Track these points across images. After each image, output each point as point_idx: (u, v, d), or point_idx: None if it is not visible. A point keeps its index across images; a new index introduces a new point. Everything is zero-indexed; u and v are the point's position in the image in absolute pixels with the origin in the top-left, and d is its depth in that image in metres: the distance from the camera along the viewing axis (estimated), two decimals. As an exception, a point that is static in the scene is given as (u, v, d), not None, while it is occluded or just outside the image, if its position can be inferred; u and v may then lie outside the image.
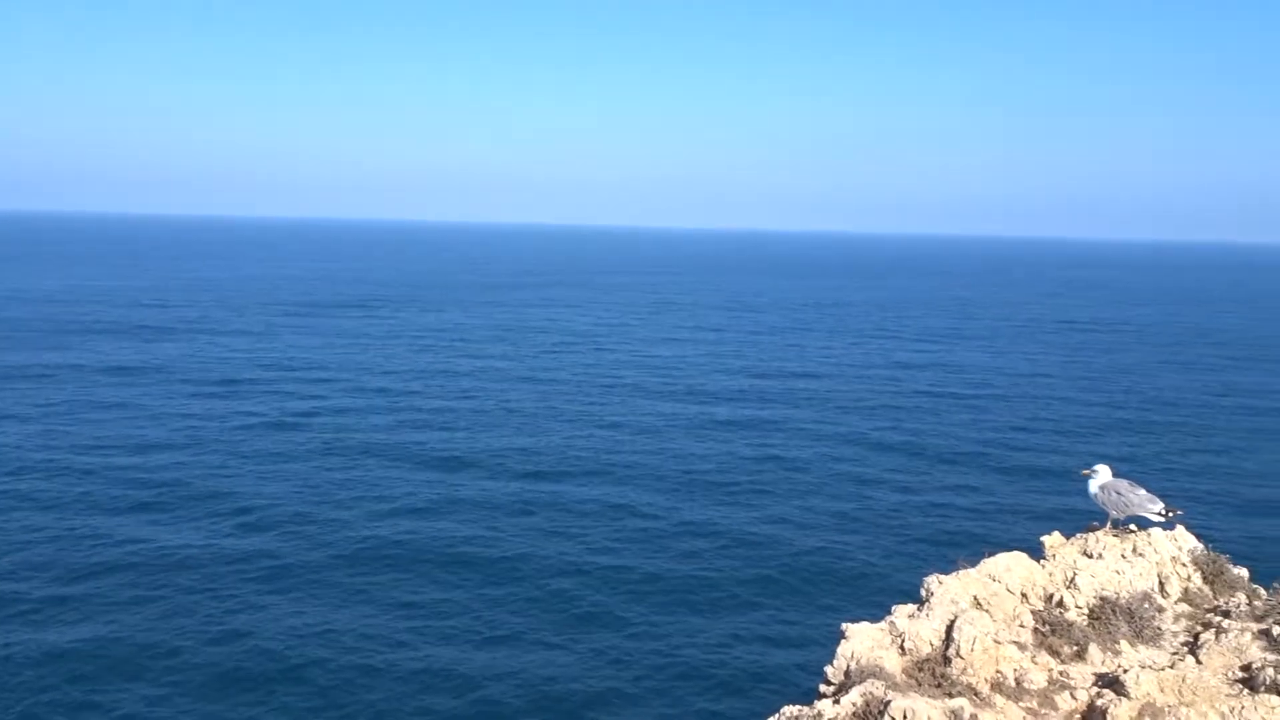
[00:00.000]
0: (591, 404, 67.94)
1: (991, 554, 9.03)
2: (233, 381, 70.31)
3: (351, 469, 47.76)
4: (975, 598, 8.26)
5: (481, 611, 32.27)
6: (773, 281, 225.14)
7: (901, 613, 8.17)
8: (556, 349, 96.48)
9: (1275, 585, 8.90)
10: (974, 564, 8.86)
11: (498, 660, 29.09)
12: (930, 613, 7.98)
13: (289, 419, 57.96)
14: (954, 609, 7.98)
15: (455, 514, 41.79)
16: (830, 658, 7.91)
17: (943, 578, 8.42)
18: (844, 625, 8.05)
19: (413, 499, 43.41)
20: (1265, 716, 6.77)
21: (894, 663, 7.62)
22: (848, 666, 7.57)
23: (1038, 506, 45.63)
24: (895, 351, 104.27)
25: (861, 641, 7.76)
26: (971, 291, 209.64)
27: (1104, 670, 7.64)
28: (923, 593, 8.37)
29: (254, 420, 57.41)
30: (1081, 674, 7.65)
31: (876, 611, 8.73)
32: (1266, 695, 7.06)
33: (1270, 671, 7.24)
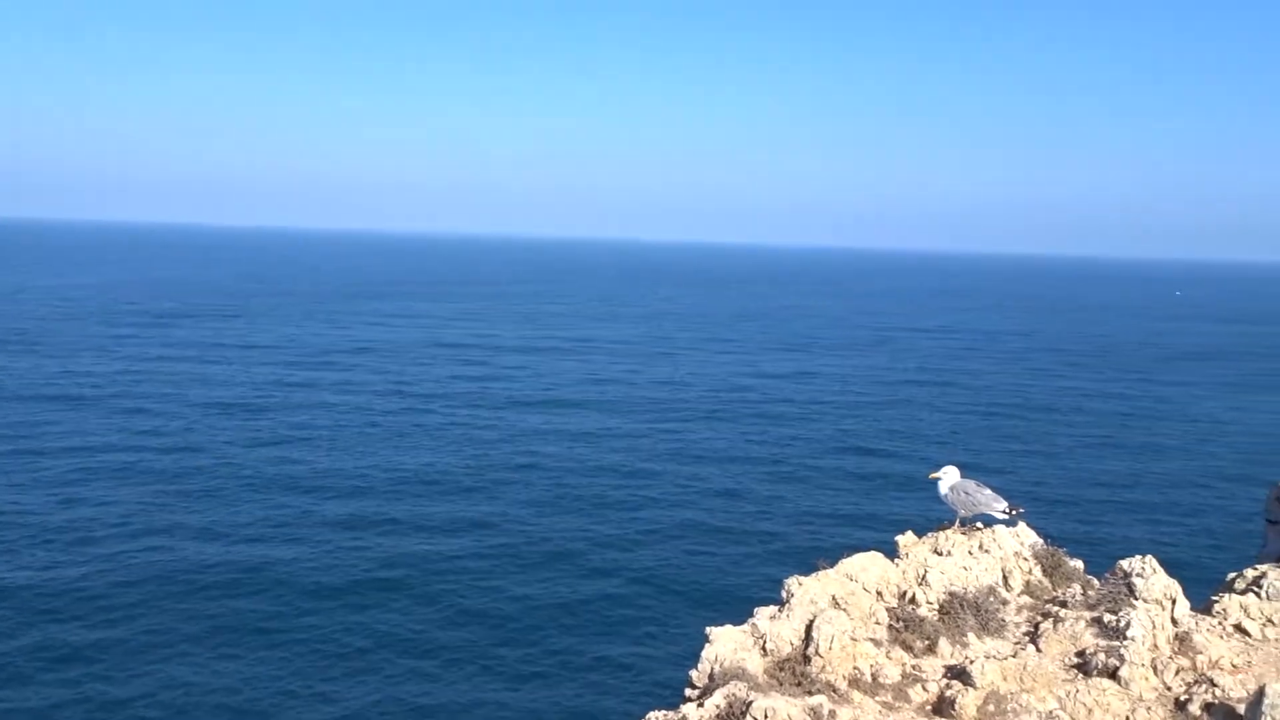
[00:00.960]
0: (443, 419, 67.09)
1: (849, 555, 9.31)
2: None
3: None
4: (834, 597, 8.50)
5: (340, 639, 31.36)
6: (639, 290, 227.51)
7: (763, 614, 8.34)
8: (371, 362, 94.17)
9: (1106, 575, 9.49)
10: (833, 565, 9.12)
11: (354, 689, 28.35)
12: (791, 613, 8.17)
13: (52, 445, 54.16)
14: (813, 609, 8.19)
15: (287, 539, 40.59)
16: (696, 662, 8.01)
17: (802, 579, 8.64)
18: (708, 629, 8.16)
19: (249, 528, 41.86)
20: (1097, 698, 7.22)
21: (756, 664, 7.77)
22: (712, 670, 7.67)
23: (893, 507, 47.53)
24: (750, 362, 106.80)
25: (725, 644, 7.88)
26: (819, 301, 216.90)
27: (953, 662, 7.97)
28: (784, 594, 8.56)
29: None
30: (933, 667, 7.97)
31: (742, 615, 8.88)
32: (1098, 679, 7.54)
33: (1101, 656, 7.72)
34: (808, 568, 9.52)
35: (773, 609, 8.47)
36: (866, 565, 9.00)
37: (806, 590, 8.46)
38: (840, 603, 8.49)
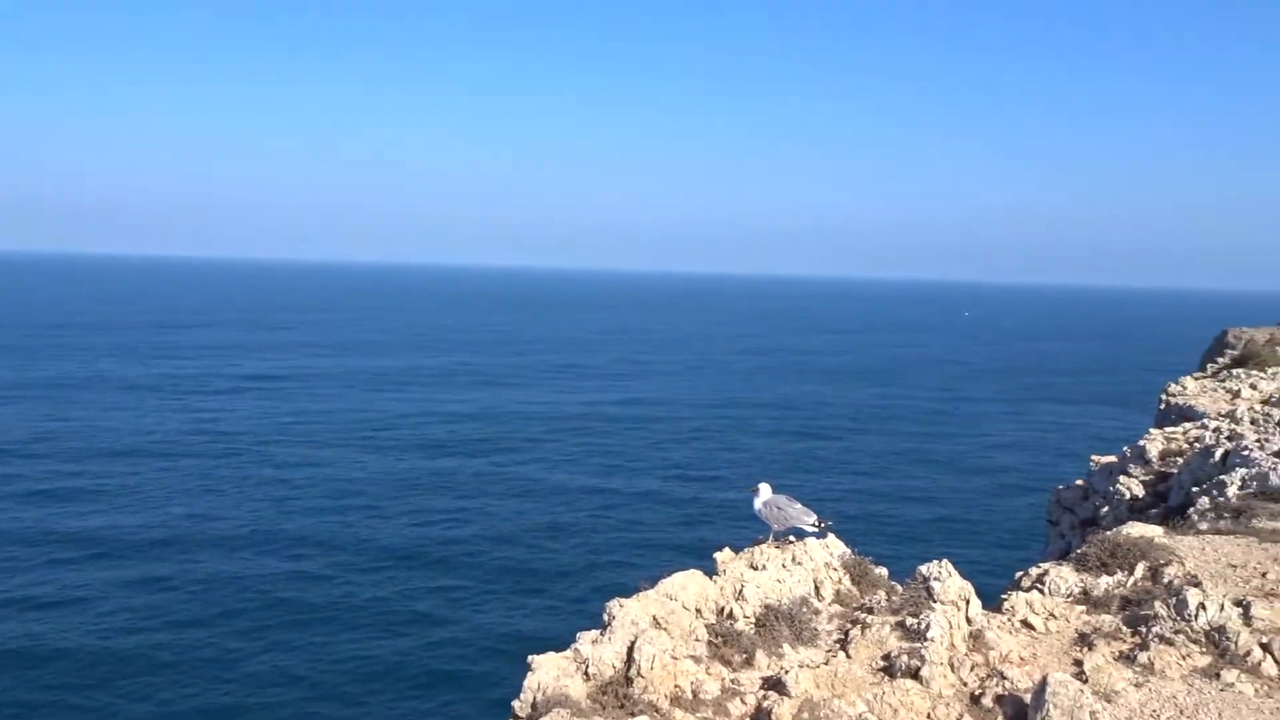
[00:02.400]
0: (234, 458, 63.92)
1: (669, 574, 9.42)
2: None
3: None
4: (654, 617, 8.57)
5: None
6: (479, 317, 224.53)
7: (586, 639, 8.31)
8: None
9: (908, 580, 10.01)
10: (654, 585, 9.20)
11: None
12: (612, 636, 8.17)
13: None
14: (635, 630, 8.22)
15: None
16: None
17: (624, 601, 8.67)
18: (530, 658, 8.04)
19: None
20: (901, 699, 7.58)
21: (579, 689, 7.71)
22: (534, 699, 7.56)
23: (717, 525, 48.68)
24: (576, 386, 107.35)
25: (547, 672, 7.79)
26: (649, 323, 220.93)
27: (769, 673, 8.18)
28: (605, 617, 8.56)
29: None
30: (750, 679, 8.15)
31: (568, 642, 8.82)
32: (902, 679, 7.92)
33: (905, 658, 8.13)
34: (629, 588, 9.57)
35: (595, 633, 8.45)
36: (685, 584, 9.13)
37: (628, 612, 8.49)
38: (661, 622, 8.57)
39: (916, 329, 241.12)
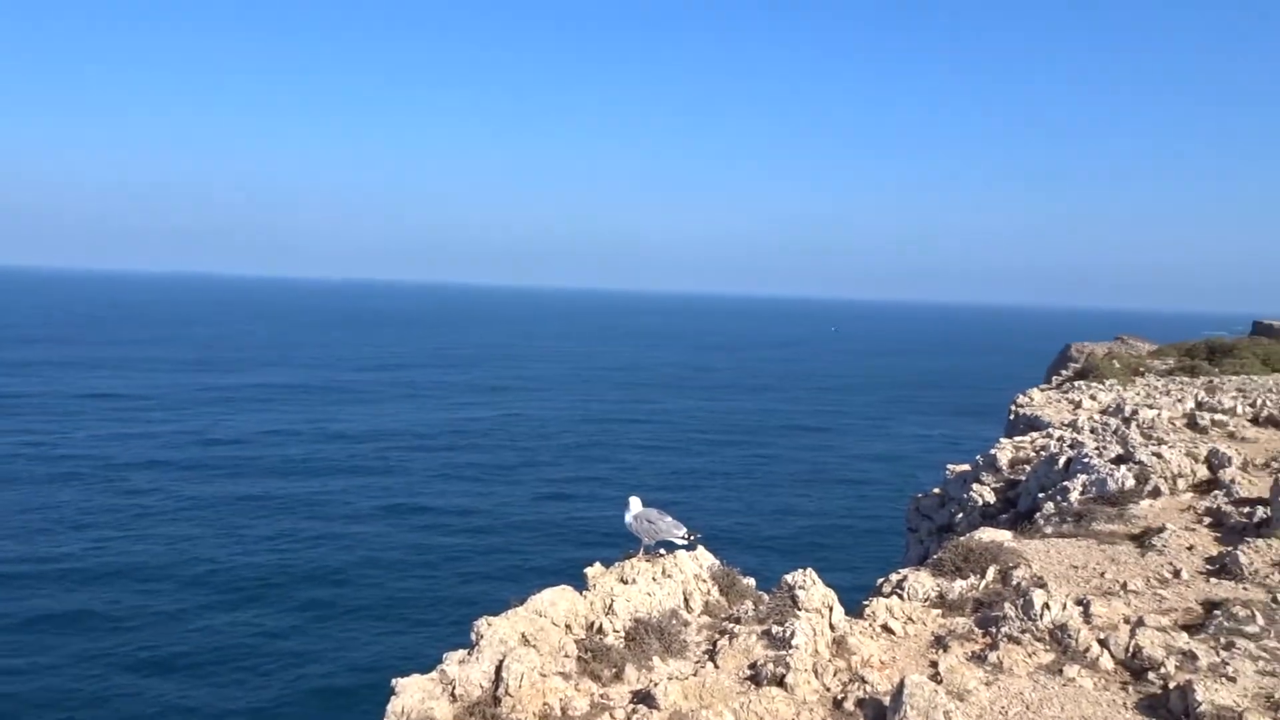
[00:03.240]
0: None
1: (540, 590, 9.33)
2: None
3: None
4: (523, 635, 8.47)
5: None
6: (338, 334, 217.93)
7: (452, 659, 8.14)
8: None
9: (774, 590, 10.21)
10: (524, 602, 9.10)
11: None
12: (480, 655, 8.04)
13: None
14: (503, 649, 8.11)
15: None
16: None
17: (492, 619, 8.54)
18: (395, 681, 7.82)
19: None
20: (767, 706, 7.70)
21: (445, 711, 7.55)
22: (398, 723, 7.35)
23: (587, 541, 48.64)
24: (446, 402, 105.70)
25: (412, 695, 7.59)
26: (519, 338, 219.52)
27: (639, 687, 8.19)
28: (473, 636, 8.42)
29: None
30: (620, 693, 8.14)
31: (436, 663, 8.62)
32: (768, 687, 8.05)
33: (770, 666, 8.27)
34: (502, 608, 9.44)
35: (462, 653, 8.29)
36: (555, 600, 9.07)
37: (496, 630, 8.36)
38: (530, 640, 8.47)
39: (785, 344, 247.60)
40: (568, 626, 8.95)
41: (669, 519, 10.81)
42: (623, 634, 9.02)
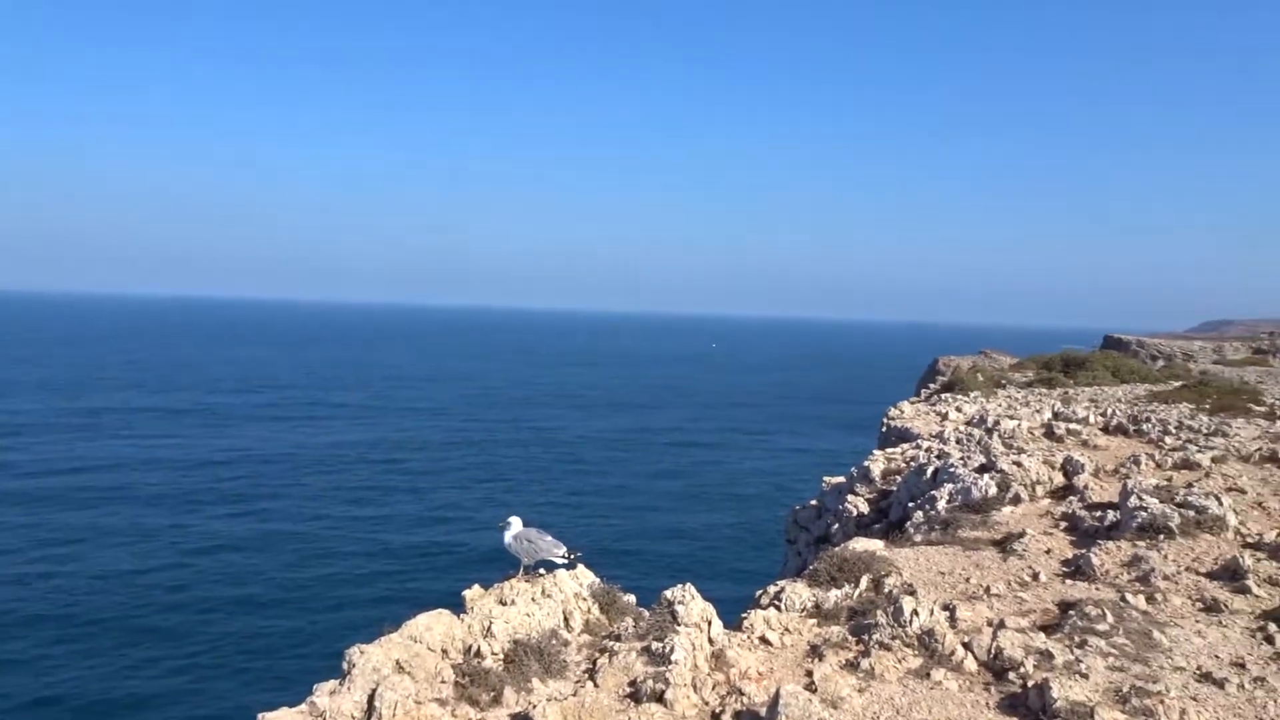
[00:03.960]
0: None
1: (414, 616, 9.12)
2: None
3: None
4: (398, 661, 8.26)
5: None
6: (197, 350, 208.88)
7: (323, 690, 7.87)
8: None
9: (654, 606, 10.24)
10: (398, 628, 8.88)
11: None
12: (352, 685, 7.79)
13: None
14: (376, 677, 7.89)
15: None
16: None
17: (365, 647, 8.30)
18: (260, 716, 7.50)
19: None
20: (646, 723, 7.71)
21: (315, 745, 7.28)
22: (264, 760, 7.04)
23: (468, 562, 47.90)
24: (316, 425, 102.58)
25: (279, 729, 7.29)
26: (390, 356, 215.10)
27: (518, 709, 8.08)
28: (345, 665, 8.15)
29: None
30: (498, 717, 8.01)
31: (304, 694, 8.30)
32: (648, 704, 8.06)
33: (650, 683, 8.28)
34: (376, 634, 9.18)
35: (333, 683, 8.02)
36: (431, 624, 8.88)
37: (369, 658, 8.13)
38: (405, 666, 8.26)
39: (665, 361, 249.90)
40: (444, 651, 8.77)
41: (549, 538, 10.74)
42: (501, 656, 8.90)
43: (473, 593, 10.06)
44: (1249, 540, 13.65)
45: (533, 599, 9.91)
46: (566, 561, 10.61)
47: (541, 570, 10.74)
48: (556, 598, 10.14)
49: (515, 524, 10.80)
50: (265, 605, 42.68)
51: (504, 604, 9.69)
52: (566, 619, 10.06)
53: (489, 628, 9.15)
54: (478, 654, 8.83)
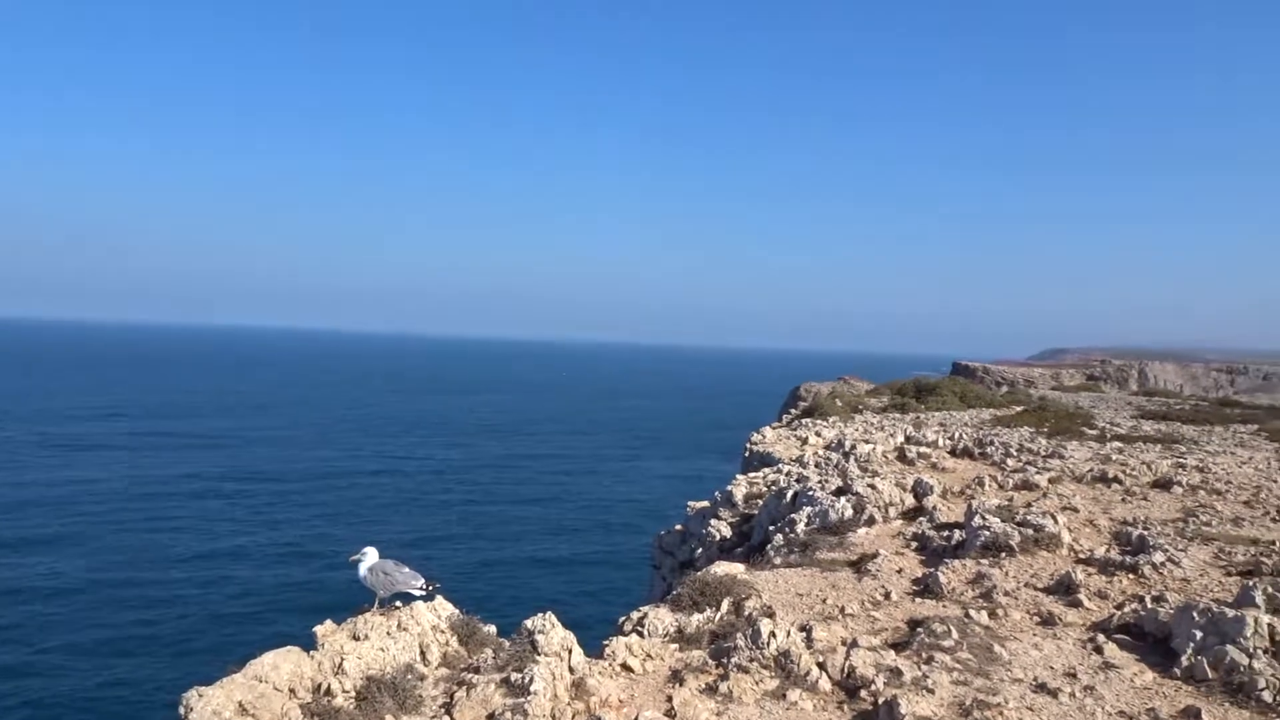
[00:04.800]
0: None
1: (260, 654, 8.70)
2: None
3: None
4: (240, 704, 7.84)
5: None
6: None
7: (156, 738, 7.41)
8: None
9: (513, 636, 10.09)
10: (241, 668, 8.44)
11: None
12: (188, 731, 7.35)
13: None
14: (215, 721, 7.47)
15: None
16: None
17: (204, 689, 7.85)
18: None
19: None
20: (503, 757, 7.55)
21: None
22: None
23: (318, 596, 46.17)
24: (164, 455, 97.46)
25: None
26: (243, 383, 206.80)
27: (370, 749, 7.79)
28: (182, 710, 7.69)
29: None
30: (348, 758, 7.71)
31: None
32: (506, 737, 7.91)
33: (508, 714, 8.14)
34: (217, 673, 8.70)
35: (169, 730, 7.55)
36: (278, 663, 8.47)
37: (208, 701, 7.69)
38: (248, 708, 7.85)
39: (518, 388, 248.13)
40: (292, 690, 8.39)
41: (406, 569, 10.45)
42: (353, 694, 8.57)
43: (324, 628, 9.67)
44: (1081, 556, 14.51)
45: (388, 633, 9.60)
46: (424, 593, 10.34)
47: (398, 603, 10.44)
48: (413, 631, 9.85)
49: (370, 555, 10.46)
50: (95, 654, 39.88)
51: (357, 639, 9.35)
52: (424, 652, 9.78)
53: (341, 664, 8.81)
54: (328, 692, 8.49)
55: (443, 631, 10.28)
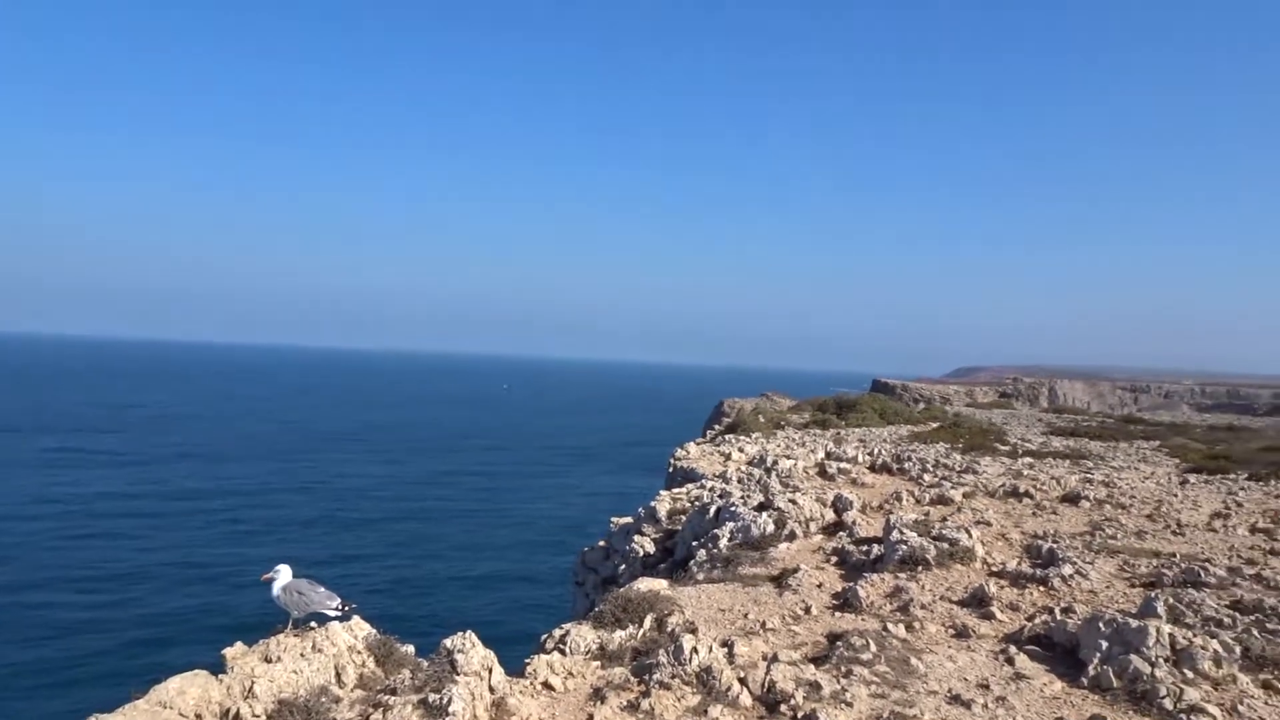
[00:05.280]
0: None
1: (165, 679, 8.37)
2: None
3: None
4: (142, 731, 7.53)
5: None
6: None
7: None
8: None
9: (432, 656, 9.90)
10: (145, 694, 8.11)
11: None
12: (86, 761, 7.03)
13: None
14: (114, 749, 7.15)
15: None
16: None
17: (103, 717, 7.51)
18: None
19: None
20: (420, 780, 7.38)
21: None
22: None
23: (228, 618, 44.75)
24: (65, 478, 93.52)
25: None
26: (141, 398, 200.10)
27: (280, 776, 7.55)
28: (80, 739, 7.35)
29: None
30: (257, 786, 7.46)
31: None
32: (423, 760, 7.74)
33: (425, 737, 7.97)
34: (120, 702, 8.34)
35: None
36: (184, 688, 8.16)
37: (106, 730, 7.37)
38: (150, 736, 7.54)
39: (455, 403, 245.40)
40: (198, 716, 8.08)
41: (321, 589, 10.18)
42: (264, 718, 8.31)
43: (234, 651, 9.36)
44: (994, 569, 14.89)
45: (301, 655, 9.33)
46: (340, 613, 10.08)
47: (313, 624, 10.16)
48: (328, 652, 9.59)
49: (284, 574, 10.17)
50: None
51: (269, 661, 9.06)
52: (339, 674, 9.53)
53: (251, 688, 8.53)
54: (237, 717, 8.21)
55: (359, 652, 10.03)
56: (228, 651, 9.39)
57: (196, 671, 8.63)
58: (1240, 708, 9.02)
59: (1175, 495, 23.86)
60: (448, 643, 9.77)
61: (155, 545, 63.21)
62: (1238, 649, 10.33)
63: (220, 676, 8.77)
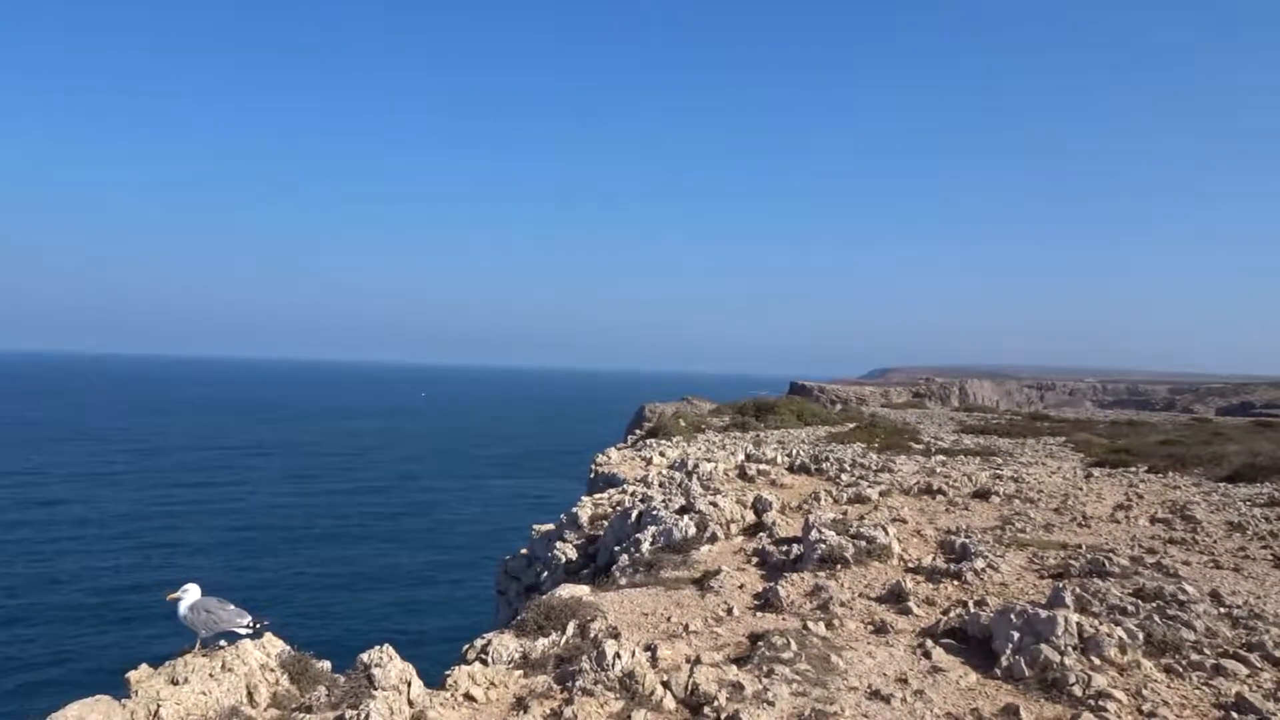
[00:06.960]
0: None
1: (64, 705, 7.98)
2: None
3: None
4: (40, 762, 7.16)
5: None
6: None
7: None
8: None
9: (349, 671, 9.66)
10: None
11: None
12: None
13: None
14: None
15: None
16: None
17: (-4, 749, 7.14)
18: None
19: None
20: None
21: None
22: None
23: (132, 641, 43.14)
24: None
25: None
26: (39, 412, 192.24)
27: (189, 802, 7.26)
28: (-31, 774, 6.96)
29: None
30: (164, 814, 7.15)
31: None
32: (340, 779, 7.53)
33: (343, 755, 7.76)
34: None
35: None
36: (84, 714, 7.79)
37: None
38: (52, 766, 7.18)
39: (370, 414, 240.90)
40: (102, 744, 7.73)
41: (231, 607, 9.85)
42: (167, 743, 7.98)
43: (138, 673, 8.99)
44: (910, 565, 15.20)
45: (210, 675, 9.01)
46: (252, 631, 9.77)
47: (223, 643, 9.82)
48: (239, 671, 9.28)
49: (192, 593, 9.81)
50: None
51: (176, 683, 8.72)
52: (251, 694, 9.22)
53: (156, 712, 8.19)
54: (142, 742, 7.87)
55: (272, 670, 9.73)
56: (131, 675, 9.01)
57: (98, 697, 8.25)
58: (1144, 691, 9.36)
59: (1080, 489, 24.72)
60: (364, 657, 9.55)
61: (53, 564, 60.56)
62: (1141, 635, 10.72)
63: (123, 701, 8.40)
